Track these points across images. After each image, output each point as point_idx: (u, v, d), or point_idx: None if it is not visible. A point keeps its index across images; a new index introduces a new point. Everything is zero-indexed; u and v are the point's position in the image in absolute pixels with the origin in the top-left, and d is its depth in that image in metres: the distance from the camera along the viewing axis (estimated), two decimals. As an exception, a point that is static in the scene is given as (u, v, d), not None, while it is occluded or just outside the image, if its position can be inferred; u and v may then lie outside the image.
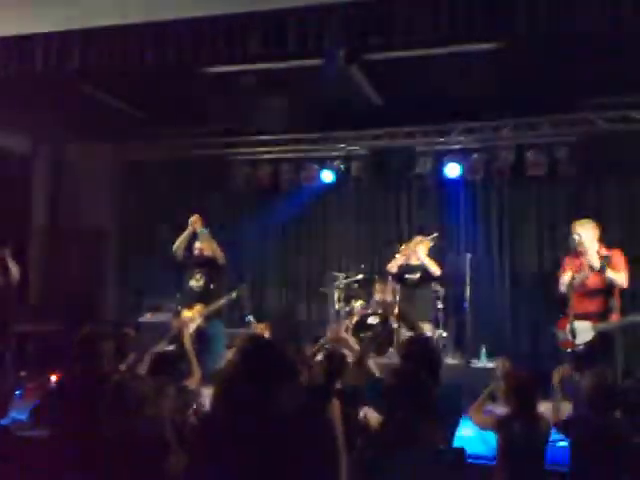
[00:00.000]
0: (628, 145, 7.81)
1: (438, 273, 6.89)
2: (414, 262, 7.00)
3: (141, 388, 3.03)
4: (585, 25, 4.42)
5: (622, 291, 5.63)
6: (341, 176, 8.61)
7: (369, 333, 7.29)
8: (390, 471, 2.74)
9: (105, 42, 5.36)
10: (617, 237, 7.65)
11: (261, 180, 8.79)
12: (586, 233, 5.61)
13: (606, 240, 6.52)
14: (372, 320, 7.49)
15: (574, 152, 7.72)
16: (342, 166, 8.60)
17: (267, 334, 7.05)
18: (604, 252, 5.62)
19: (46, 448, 3.69)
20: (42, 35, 5.45)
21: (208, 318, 6.33)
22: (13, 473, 3.61)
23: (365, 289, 8.09)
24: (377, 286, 7.81)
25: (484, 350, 7.21)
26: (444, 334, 7.26)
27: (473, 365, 6.88)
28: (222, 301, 6.50)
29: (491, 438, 3.69)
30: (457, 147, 8.22)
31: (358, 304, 7.89)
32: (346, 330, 7.64)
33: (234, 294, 6.70)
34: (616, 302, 5.50)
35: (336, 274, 8.22)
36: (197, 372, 4.20)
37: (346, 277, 8.09)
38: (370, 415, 3.49)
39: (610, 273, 5.45)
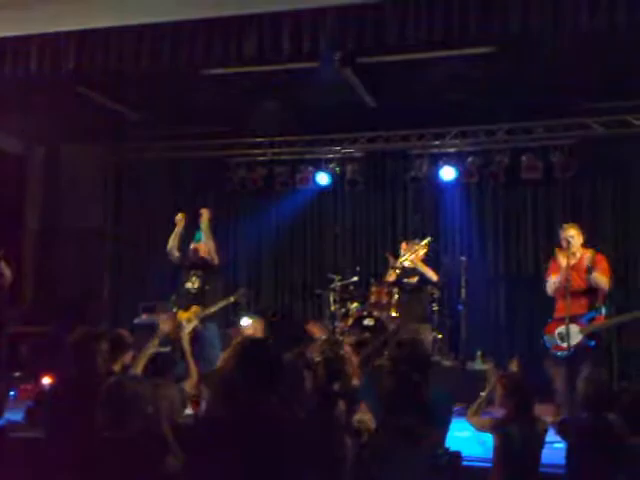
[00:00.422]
0: (623, 149, 7.86)
1: (435, 279, 6.91)
2: (412, 266, 7.01)
3: (138, 389, 3.03)
4: (580, 27, 4.44)
5: (608, 293, 5.67)
6: (336, 178, 8.61)
7: (366, 334, 7.29)
8: (389, 474, 2.75)
9: (100, 43, 5.35)
10: (611, 240, 7.71)
11: (256, 182, 8.79)
12: (575, 238, 5.66)
13: (601, 243, 6.57)
14: (367, 322, 7.49)
15: (569, 156, 7.76)
16: (337, 168, 8.62)
17: (260, 332, 7.04)
18: (587, 255, 5.67)
19: (42, 449, 3.68)
20: (37, 36, 5.44)
21: (204, 320, 6.32)
22: (8, 474, 3.60)
23: (360, 291, 8.10)
24: (372, 288, 7.82)
25: (479, 353, 7.23)
26: (439, 336, 7.27)
27: (468, 367, 6.88)
28: (220, 304, 6.47)
29: (488, 440, 3.69)
30: (452, 150, 8.25)
31: (353, 306, 7.89)
32: (341, 332, 7.66)
33: (232, 298, 6.68)
34: (601, 303, 5.51)
35: (332, 276, 8.22)
36: (194, 374, 4.19)
37: (342, 279, 8.09)
38: (364, 418, 3.49)
39: (596, 276, 5.49)
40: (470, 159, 8.12)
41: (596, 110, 7.62)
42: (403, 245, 7.25)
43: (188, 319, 6.23)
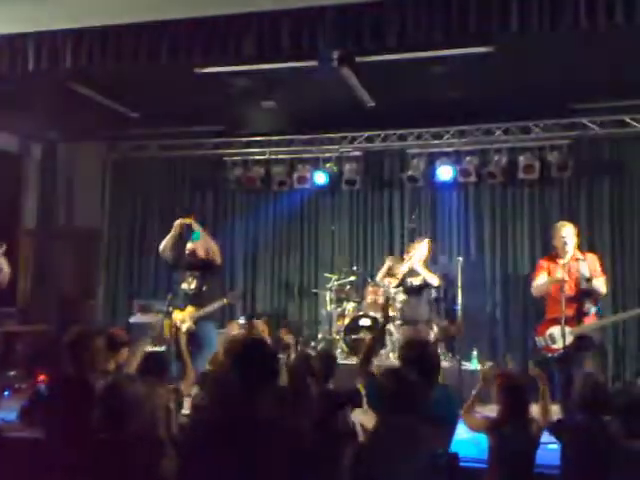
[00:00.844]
0: (620, 149, 7.88)
1: (436, 283, 6.89)
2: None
3: (134, 389, 3.01)
4: (578, 27, 4.44)
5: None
6: (334, 178, 8.60)
7: (362, 334, 7.30)
8: (388, 474, 2.74)
9: (98, 41, 5.33)
10: (608, 239, 7.73)
11: (253, 181, 8.77)
12: (570, 237, 5.66)
13: (597, 242, 6.59)
14: (364, 322, 7.49)
15: (566, 155, 7.76)
16: (335, 168, 8.60)
17: (261, 332, 7.04)
18: (579, 256, 5.67)
19: (37, 449, 3.66)
20: (34, 34, 5.42)
21: (199, 320, 6.30)
22: (1, 474, 3.59)
23: (357, 291, 8.10)
24: (369, 288, 7.82)
25: (475, 353, 7.23)
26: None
27: (464, 367, 6.87)
28: (214, 306, 6.44)
29: (483, 441, 3.69)
30: (450, 150, 8.24)
31: (350, 306, 7.89)
32: (337, 332, 7.67)
33: (225, 300, 6.66)
34: (592, 305, 5.51)
35: (328, 276, 8.22)
36: (191, 374, 4.18)
37: (338, 279, 8.09)
38: (362, 418, 3.49)
39: (594, 282, 5.48)
40: (468, 158, 8.12)
41: (593, 110, 7.62)
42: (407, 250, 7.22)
43: (183, 319, 6.22)
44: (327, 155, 8.66)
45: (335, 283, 8.05)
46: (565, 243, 5.59)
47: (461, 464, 3.73)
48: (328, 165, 8.61)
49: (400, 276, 7.01)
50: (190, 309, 6.33)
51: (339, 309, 7.96)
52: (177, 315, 6.31)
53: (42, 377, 5.79)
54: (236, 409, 2.75)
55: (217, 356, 4.77)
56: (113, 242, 9.31)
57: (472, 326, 7.36)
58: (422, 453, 2.81)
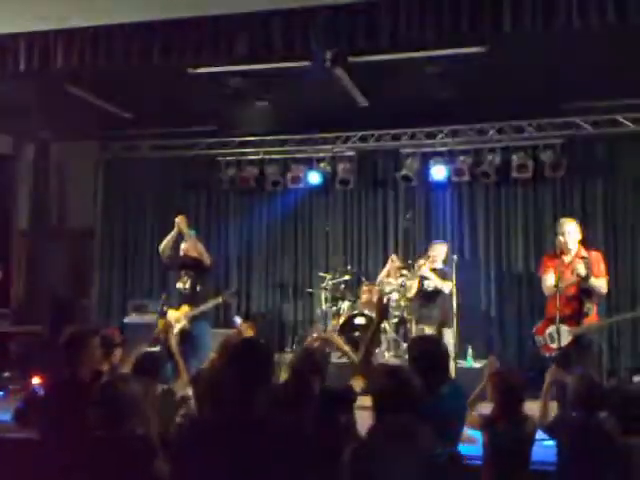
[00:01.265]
0: (612, 148, 7.91)
1: (447, 291, 6.85)
2: (432, 266, 6.98)
3: (130, 389, 3.01)
4: (571, 26, 4.46)
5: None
6: (327, 177, 8.61)
7: (357, 334, 7.30)
8: (385, 473, 2.73)
9: (90, 42, 5.32)
10: (601, 238, 7.75)
11: (247, 181, 8.76)
12: (572, 233, 5.58)
13: (591, 241, 6.54)
14: (359, 321, 7.50)
15: (560, 154, 7.79)
16: (328, 167, 8.61)
17: (251, 333, 7.03)
18: (584, 253, 5.61)
19: (31, 450, 3.65)
20: (26, 34, 5.41)
21: (193, 319, 6.30)
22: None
23: (352, 290, 8.10)
24: (364, 287, 7.83)
25: (470, 351, 7.24)
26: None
27: (459, 365, 6.89)
28: (209, 304, 6.46)
29: (478, 437, 3.70)
30: (443, 149, 8.26)
31: (345, 305, 7.90)
32: (333, 331, 7.66)
33: (220, 298, 6.66)
34: (593, 305, 5.50)
35: (323, 275, 8.22)
36: (184, 374, 4.17)
37: (333, 278, 8.09)
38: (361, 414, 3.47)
39: (593, 281, 5.40)
40: (461, 158, 8.14)
41: (586, 109, 7.65)
42: (420, 262, 7.18)
43: (177, 319, 6.22)
44: (321, 155, 8.67)
45: (330, 282, 8.05)
46: (567, 240, 5.53)
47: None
48: (322, 165, 8.61)
49: (418, 279, 6.97)
50: (185, 308, 6.34)
51: (334, 308, 7.97)
52: (172, 314, 6.32)
53: (36, 378, 5.78)
54: (231, 409, 2.74)
55: (212, 356, 4.76)
56: (106, 242, 9.28)
57: (467, 324, 7.37)
58: (421, 452, 2.80)
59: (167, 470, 2.85)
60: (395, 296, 7.25)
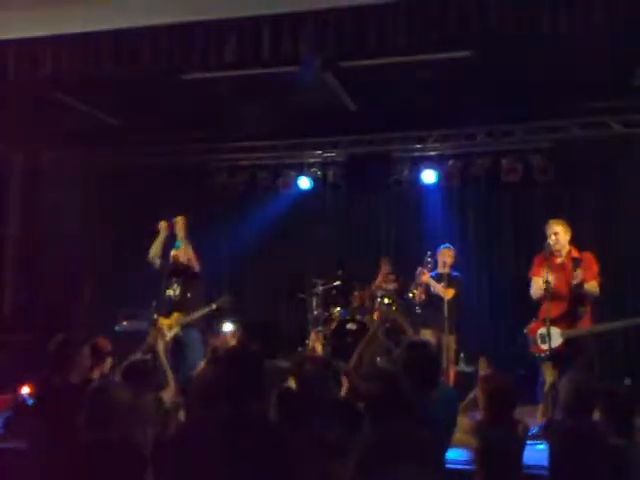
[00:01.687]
0: (602, 151, 7.93)
1: (447, 298, 6.77)
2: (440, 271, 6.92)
3: (120, 395, 3.00)
4: (557, 29, 4.48)
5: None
6: (318, 182, 8.61)
7: (348, 339, 7.29)
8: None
9: (78, 49, 5.30)
10: (591, 241, 7.76)
11: (238, 187, 8.75)
12: (561, 234, 5.59)
13: (580, 245, 6.54)
14: (350, 326, 7.49)
15: (548, 158, 7.81)
16: (319, 172, 8.61)
17: (242, 339, 7.00)
18: (575, 254, 5.62)
19: (21, 460, 3.63)
20: (14, 41, 5.38)
21: (185, 327, 6.27)
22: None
23: (343, 295, 8.10)
24: (355, 292, 7.83)
25: (462, 355, 7.24)
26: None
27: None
28: (203, 311, 6.43)
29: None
30: (434, 154, 8.28)
31: (336, 310, 7.89)
32: (324, 337, 7.65)
33: (214, 305, 6.64)
34: (586, 308, 5.50)
35: (314, 280, 8.21)
36: (172, 383, 4.14)
37: (324, 283, 8.08)
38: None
39: (587, 287, 5.41)
40: (451, 162, 8.17)
41: (575, 112, 7.67)
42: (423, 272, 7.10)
43: (169, 326, 6.19)
44: (311, 160, 8.67)
45: (321, 287, 8.04)
46: (556, 241, 5.54)
47: (451, 466, 3.74)
48: (312, 170, 8.61)
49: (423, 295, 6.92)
50: (176, 315, 6.31)
51: (326, 313, 7.96)
52: (163, 321, 6.29)
53: (25, 387, 5.73)
54: (221, 416, 2.73)
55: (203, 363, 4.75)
56: (98, 248, 9.23)
57: (458, 327, 7.36)
58: (421, 456, 2.80)
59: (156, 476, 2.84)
60: (386, 301, 7.24)
